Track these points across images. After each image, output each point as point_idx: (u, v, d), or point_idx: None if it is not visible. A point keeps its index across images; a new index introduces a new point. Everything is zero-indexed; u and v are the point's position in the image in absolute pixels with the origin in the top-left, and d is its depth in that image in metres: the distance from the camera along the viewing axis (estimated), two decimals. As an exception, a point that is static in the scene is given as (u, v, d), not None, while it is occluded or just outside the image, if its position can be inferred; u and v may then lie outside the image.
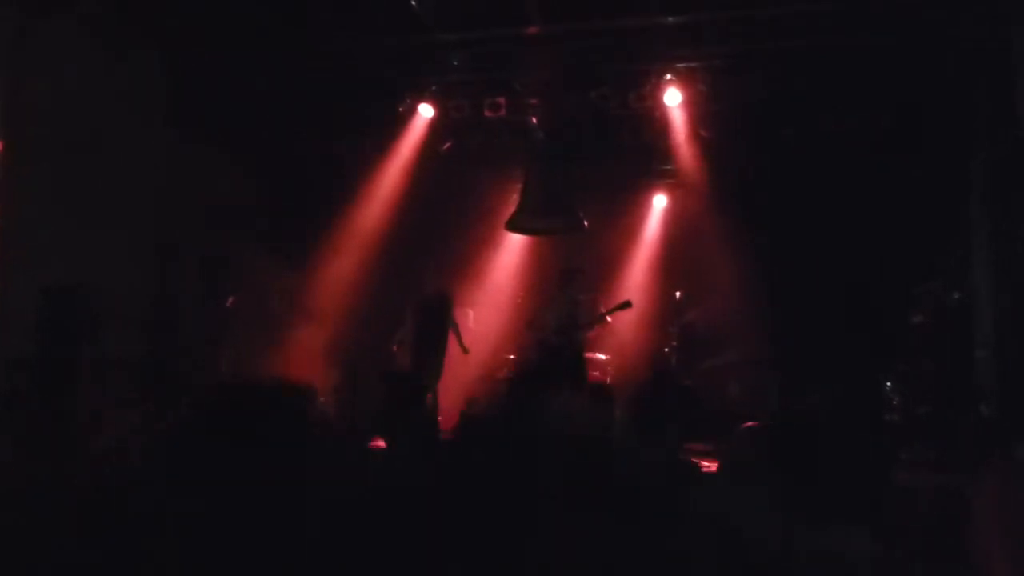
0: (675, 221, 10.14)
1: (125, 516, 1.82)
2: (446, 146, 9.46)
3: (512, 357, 9.51)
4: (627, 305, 8.01)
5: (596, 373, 9.59)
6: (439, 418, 7.67)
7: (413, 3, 7.24)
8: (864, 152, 7.52)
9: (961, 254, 6.81)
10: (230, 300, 7.64)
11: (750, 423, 6.81)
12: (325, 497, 1.80)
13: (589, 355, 9.54)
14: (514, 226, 9.48)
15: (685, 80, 8.08)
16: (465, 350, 8.11)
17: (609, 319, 8.05)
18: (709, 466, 5.29)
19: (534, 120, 8.79)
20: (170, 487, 1.75)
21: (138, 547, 1.70)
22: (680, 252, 9.86)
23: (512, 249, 10.42)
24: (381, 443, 4.05)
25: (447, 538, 2.24)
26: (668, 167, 9.51)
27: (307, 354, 7.68)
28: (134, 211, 6.50)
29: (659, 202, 10.27)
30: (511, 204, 9.57)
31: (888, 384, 6.95)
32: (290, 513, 1.63)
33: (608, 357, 9.60)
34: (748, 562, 2.49)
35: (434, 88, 8.64)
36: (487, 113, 8.59)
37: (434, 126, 9.05)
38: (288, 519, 1.62)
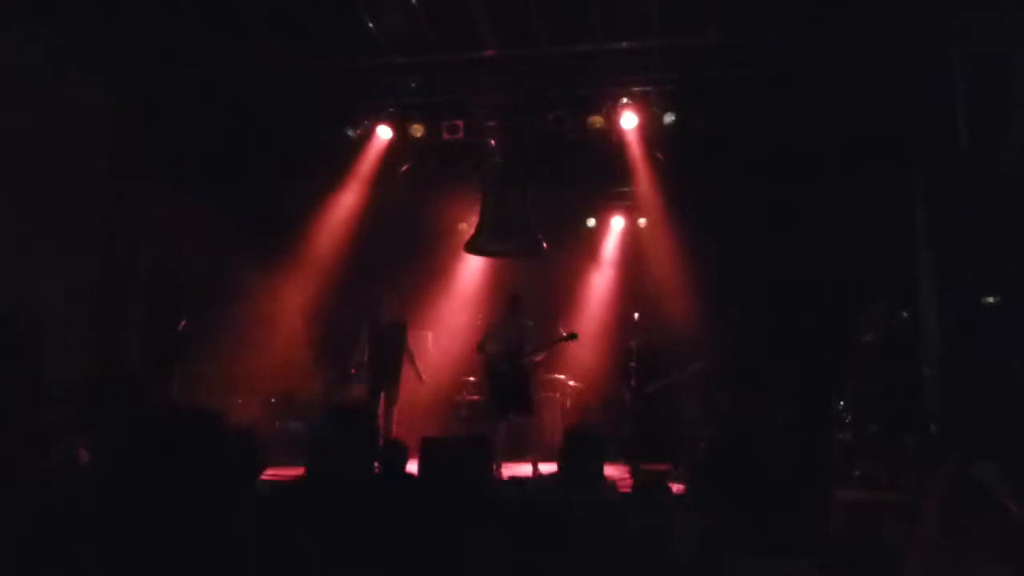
0: (632, 242, 10.25)
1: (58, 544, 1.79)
2: (404, 168, 9.46)
3: (472, 379, 9.48)
4: (573, 337, 8.04)
5: (556, 394, 9.62)
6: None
7: (371, 26, 7.26)
8: (813, 174, 7.69)
9: (907, 274, 6.97)
10: (181, 324, 7.51)
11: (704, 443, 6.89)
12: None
13: (551, 376, 9.57)
14: (473, 248, 9.48)
15: (640, 103, 8.21)
16: (421, 378, 8.08)
17: (543, 355, 8.02)
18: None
19: (492, 143, 8.83)
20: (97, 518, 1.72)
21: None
22: (637, 273, 9.96)
23: (471, 271, 10.42)
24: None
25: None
26: (625, 189, 9.62)
27: (258, 377, 7.59)
28: (79, 232, 6.36)
29: (616, 223, 10.37)
30: (470, 226, 9.59)
31: (841, 403, 7.06)
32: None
33: (564, 377, 9.64)
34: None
35: (392, 111, 8.66)
36: (445, 135, 8.62)
37: (392, 148, 9.05)
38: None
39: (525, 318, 7.91)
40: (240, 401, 7.83)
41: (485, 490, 2.70)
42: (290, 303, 8.66)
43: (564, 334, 8.17)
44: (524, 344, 7.71)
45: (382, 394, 7.67)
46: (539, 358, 7.99)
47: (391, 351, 7.81)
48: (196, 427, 1.69)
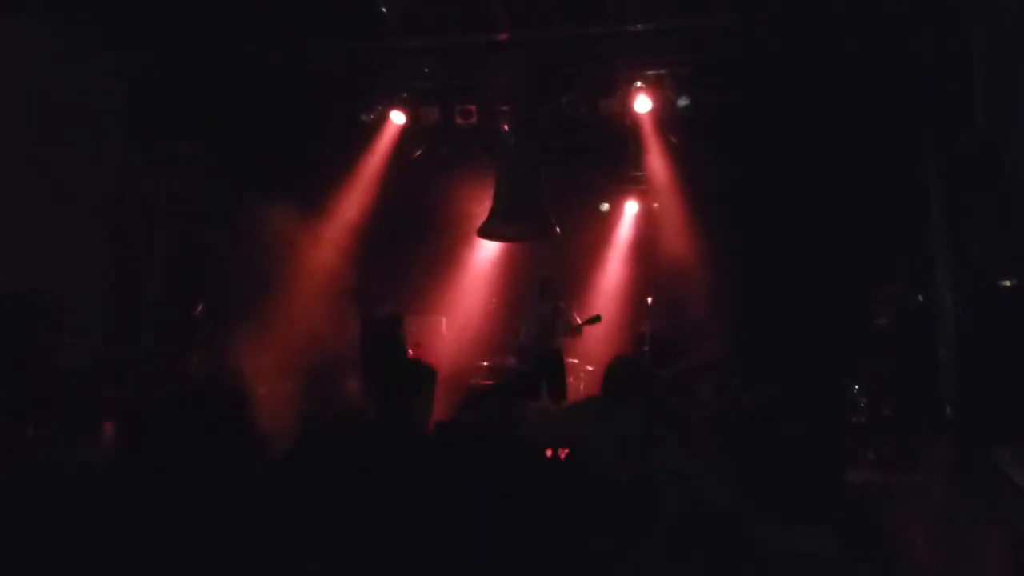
0: (646, 226, 10.21)
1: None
2: (417, 153, 9.46)
3: (486, 364, 9.50)
4: (597, 319, 8.11)
5: (570, 379, 9.62)
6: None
7: (384, 10, 7.26)
8: (828, 156, 7.62)
9: (922, 256, 6.91)
10: (199, 307, 7.55)
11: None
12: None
13: (566, 361, 9.58)
14: (486, 232, 9.49)
15: (654, 87, 8.16)
16: None
17: (581, 332, 8.12)
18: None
19: (505, 127, 8.81)
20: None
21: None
22: (651, 257, 9.93)
23: (485, 256, 10.43)
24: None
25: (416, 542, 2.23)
26: (638, 173, 9.58)
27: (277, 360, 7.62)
28: (92, 215, 6.40)
29: (630, 208, 10.34)
30: (483, 210, 9.59)
31: (856, 386, 7.03)
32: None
33: (578, 362, 9.64)
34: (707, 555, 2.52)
35: (405, 95, 8.65)
36: (458, 120, 8.61)
37: (405, 133, 9.05)
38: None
39: (557, 300, 7.95)
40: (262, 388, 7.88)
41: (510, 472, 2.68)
42: (308, 284, 8.69)
43: (582, 320, 8.19)
44: (558, 325, 7.77)
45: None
46: (570, 340, 8.07)
47: (386, 347, 7.77)
48: (221, 408, 1.70)
